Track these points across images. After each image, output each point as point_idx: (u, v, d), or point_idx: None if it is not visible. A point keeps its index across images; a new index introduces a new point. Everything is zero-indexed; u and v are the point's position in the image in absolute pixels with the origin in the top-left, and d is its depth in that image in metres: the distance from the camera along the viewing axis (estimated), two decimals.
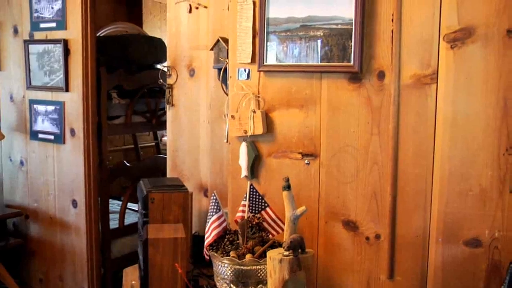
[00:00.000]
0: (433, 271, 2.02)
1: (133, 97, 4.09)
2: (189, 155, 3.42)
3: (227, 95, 2.96)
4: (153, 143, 5.28)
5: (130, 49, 4.09)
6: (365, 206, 2.12)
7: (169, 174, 3.56)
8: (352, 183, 2.13)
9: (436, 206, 1.99)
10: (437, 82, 1.95)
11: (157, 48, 4.35)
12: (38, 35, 3.79)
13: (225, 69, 2.89)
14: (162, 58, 4.31)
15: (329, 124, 2.14)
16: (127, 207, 4.25)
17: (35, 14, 3.80)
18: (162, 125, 4.40)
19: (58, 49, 3.71)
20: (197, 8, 3.28)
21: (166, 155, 5.19)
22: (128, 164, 4.38)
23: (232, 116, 2.26)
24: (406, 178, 2.04)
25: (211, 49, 3.02)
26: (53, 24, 3.76)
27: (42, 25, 3.79)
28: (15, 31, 3.88)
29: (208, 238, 2.05)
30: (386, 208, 2.07)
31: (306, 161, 2.19)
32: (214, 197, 2.07)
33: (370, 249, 2.13)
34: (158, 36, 4.96)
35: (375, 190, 2.09)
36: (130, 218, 4.41)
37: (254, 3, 2.20)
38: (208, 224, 2.07)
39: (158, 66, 4.39)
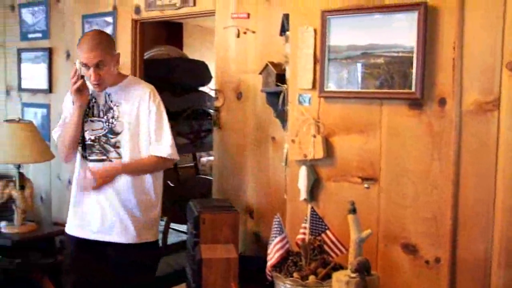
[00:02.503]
0: None
1: (177, 119, 4.19)
2: (235, 177, 3.48)
3: (278, 118, 3.03)
4: (192, 164, 5.37)
5: (174, 71, 4.21)
6: (424, 230, 2.15)
7: (214, 195, 3.62)
8: (412, 207, 2.16)
9: (498, 231, 2.01)
10: (499, 109, 1.99)
11: (200, 71, 4.47)
12: None
13: (275, 93, 2.96)
14: (205, 81, 4.43)
15: (389, 149, 2.19)
16: (170, 226, 4.32)
17: None
18: (205, 146, 4.50)
19: None
20: (245, 33, 3.37)
21: (205, 175, 5.29)
22: (171, 185, 4.47)
23: (293, 141, 2.32)
24: (467, 202, 2.07)
25: (260, 73, 3.10)
26: None
27: None
28: (68, 55, 4.03)
29: (272, 259, 2.10)
30: (447, 232, 2.10)
31: (365, 185, 2.23)
32: (278, 219, 2.12)
33: (430, 272, 2.15)
34: (197, 58, 5.08)
35: (435, 214, 2.13)
36: (172, 237, 4.48)
37: (315, 31, 2.27)
38: (272, 246, 2.11)
39: (201, 88, 4.51)
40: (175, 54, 4.80)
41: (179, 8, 3.63)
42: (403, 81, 2.11)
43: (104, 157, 2.67)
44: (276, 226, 2.13)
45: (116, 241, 2.68)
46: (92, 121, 2.70)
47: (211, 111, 4.50)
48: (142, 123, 2.66)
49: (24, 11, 4.43)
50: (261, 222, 3.37)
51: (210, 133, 4.48)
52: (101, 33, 2.72)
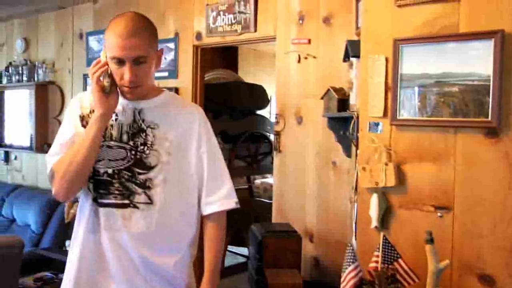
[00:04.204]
0: None
1: (235, 142, 4.26)
2: (295, 201, 3.50)
3: (339, 143, 3.04)
4: (246, 186, 5.41)
5: (234, 95, 4.29)
6: (502, 261, 2.10)
7: (274, 218, 3.64)
8: (489, 237, 2.12)
9: None
10: None
11: (258, 95, 4.54)
12: None
13: (336, 118, 2.97)
14: (263, 105, 4.50)
15: (464, 177, 2.16)
16: (227, 249, 4.36)
17: None
18: (261, 169, 4.53)
19: None
20: (306, 58, 3.42)
21: (258, 197, 5.32)
22: None
23: (363, 168, 2.32)
24: None
25: (321, 98, 3.13)
26: (165, 74, 4.02)
27: None
28: None
29: None
30: None
31: (439, 214, 2.21)
32: (351, 248, 2.12)
33: None
34: (252, 82, 5.16)
35: None
36: (228, 260, 4.51)
37: (386, 59, 2.28)
38: (345, 274, 2.11)
39: (258, 112, 4.58)
40: (231, 77, 4.89)
41: (240, 34, 3.71)
42: (478, 110, 2.08)
43: (126, 201, 1.78)
44: (349, 254, 2.14)
45: None
46: (109, 146, 1.80)
47: (268, 134, 4.55)
48: (189, 157, 1.85)
49: (91, 38, 4.63)
50: (321, 247, 3.37)
51: (267, 156, 4.53)
52: (143, 16, 1.78)
